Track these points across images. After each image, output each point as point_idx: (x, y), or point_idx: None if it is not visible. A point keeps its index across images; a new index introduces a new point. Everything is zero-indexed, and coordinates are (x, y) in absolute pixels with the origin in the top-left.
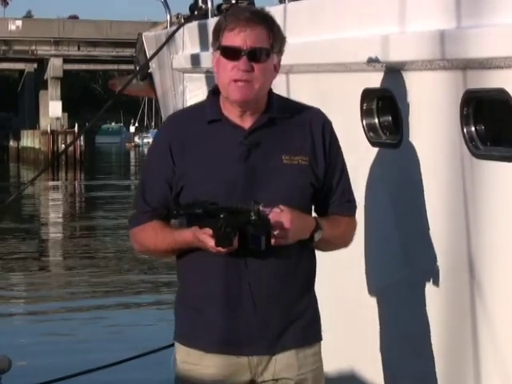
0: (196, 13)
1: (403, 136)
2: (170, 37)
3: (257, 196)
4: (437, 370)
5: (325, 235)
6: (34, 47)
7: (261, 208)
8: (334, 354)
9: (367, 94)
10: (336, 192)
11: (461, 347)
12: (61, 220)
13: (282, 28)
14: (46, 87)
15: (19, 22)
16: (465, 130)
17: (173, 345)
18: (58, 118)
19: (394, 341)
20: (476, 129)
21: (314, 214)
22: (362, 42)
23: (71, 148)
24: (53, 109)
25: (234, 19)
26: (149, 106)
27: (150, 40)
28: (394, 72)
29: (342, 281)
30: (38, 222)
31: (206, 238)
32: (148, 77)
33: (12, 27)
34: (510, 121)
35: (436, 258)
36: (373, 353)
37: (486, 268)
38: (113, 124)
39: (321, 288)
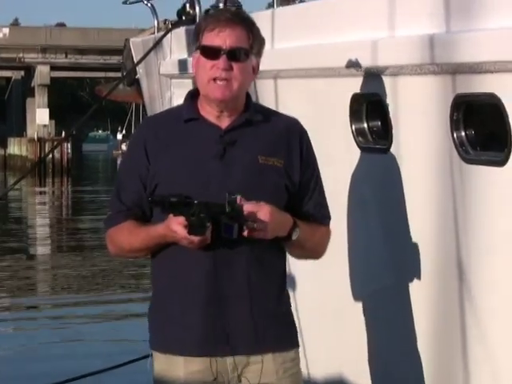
0: (184, 18)
1: (392, 141)
2: (158, 42)
3: (231, 194)
4: (426, 373)
5: (301, 236)
6: (21, 55)
7: (237, 200)
8: (321, 359)
9: (356, 99)
10: (311, 201)
11: (450, 349)
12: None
13: (270, 32)
14: (33, 95)
15: (6, 30)
16: (455, 135)
17: None
18: (45, 126)
19: (382, 345)
20: (466, 133)
21: None
22: (351, 47)
23: (58, 156)
24: (40, 116)
25: (214, 20)
26: (136, 114)
27: (138, 46)
28: (384, 77)
29: (329, 285)
30: (24, 225)
31: (178, 227)
32: (135, 82)
33: None
34: (500, 125)
35: (425, 262)
36: (361, 357)
37: (476, 272)
38: (100, 132)
39: (308, 292)
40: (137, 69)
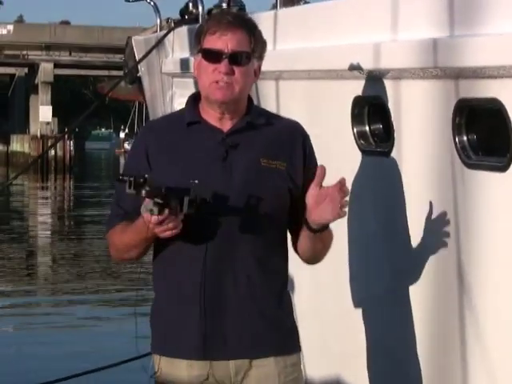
0: (186, 17)
1: (394, 144)
2: (160, 41)
3: (233, 196)
4: (424, 375)
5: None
6: (25, 52)
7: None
8: (320, 362)
9: (358, 102)
10: None
11: (449, 351)
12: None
13: (272, 34)
14: (36, 92)
15: (10, 27)
16: (457, 140)
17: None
18: (48, 123)
19: (380, 347)
20: (468, 138)
21: None
22: (354, 49)
23: (61, 153)
24: (43, 113)
25: (216, 23)
26: (139, 113)
27: (140, 44)
28: (386, 80)
29: (328, 288)
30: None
31: (142, 209)
32: (137, 81)
33: (3, 31)
34: (502, 130)
35: (426, 266)
36: (359, 360)
37: (476, 276)
38: (103, 130)
39: (307, 295)
40: (139, 67)
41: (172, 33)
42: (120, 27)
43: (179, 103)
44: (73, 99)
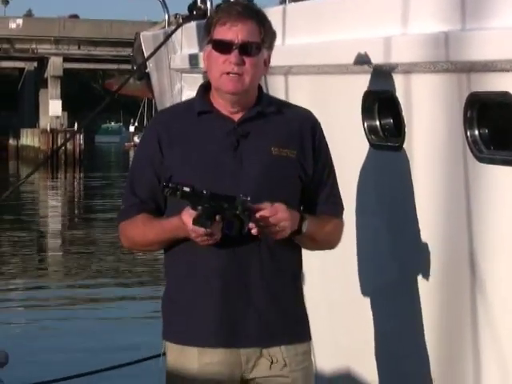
0: (195, 13)
1: (405, 139)
2: (168, 37)
3: (244, 185)
4: (434, 367)
5: (310, 229)
6: (34, 46)
7: (248, 202)
8: (329, 353)
9: (369, 96)
10: (324, 192)
11: (459, 345)
12: (58, 215)
13: (281, 29)
14: (46, 86)
15: (20, 21)
16: (468, 134)
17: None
18: (57, 117)
19: (390, 340)
20: (480, 132)
21: None
22: (364, 44)
23: (71, 147)
24: (53, 107)
25: (226, 14)
26: (148, 107)
27: (148, 39)
28: (396, 74)
29: (340, 279)
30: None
31: (187, 218)
32: (145, 76)
33: (12, 26)
34: None
35: (437, 260)
36: (368, 351)
37: (488, 270)
38: (112, 123)
39: (316, 287)
40: (147, 63)
41: (180, 28)
42: (129, 21)
43: (188, 97)
44: (82, 93)
